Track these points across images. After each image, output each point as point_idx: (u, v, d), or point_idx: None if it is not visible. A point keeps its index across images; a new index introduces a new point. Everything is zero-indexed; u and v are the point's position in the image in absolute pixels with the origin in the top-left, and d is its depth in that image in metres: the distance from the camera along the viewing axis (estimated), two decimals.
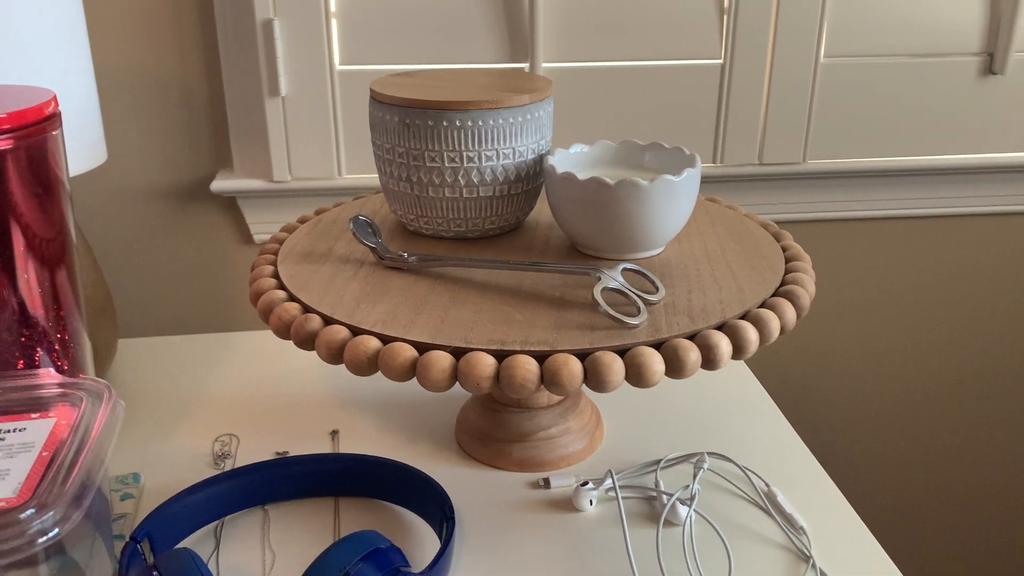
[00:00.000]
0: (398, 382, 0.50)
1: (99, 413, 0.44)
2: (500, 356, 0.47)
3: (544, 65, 0.98)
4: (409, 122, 0.59)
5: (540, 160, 0.62)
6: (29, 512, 0.37)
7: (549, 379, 0.46)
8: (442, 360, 0.46)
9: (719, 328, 0.50)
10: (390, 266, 0.58)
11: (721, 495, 0.61)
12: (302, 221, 0.68)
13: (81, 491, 0.40)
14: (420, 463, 0.65)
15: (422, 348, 0.48)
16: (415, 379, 0.51)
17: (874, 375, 1.22)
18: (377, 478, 0.60)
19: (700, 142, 1.03)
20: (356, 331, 0.50)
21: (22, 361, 0.52)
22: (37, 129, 0.48)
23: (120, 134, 0.98)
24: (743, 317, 0.51)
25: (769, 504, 0.60)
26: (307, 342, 0.50)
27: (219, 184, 0.99)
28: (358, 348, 0.48)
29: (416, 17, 0.96)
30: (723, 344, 0.48)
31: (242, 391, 0.76)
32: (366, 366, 0.48)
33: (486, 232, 0.63)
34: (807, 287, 0.55)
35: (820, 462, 1.24)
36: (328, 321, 0.51)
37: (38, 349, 0.52)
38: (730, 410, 0.72)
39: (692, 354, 0.47)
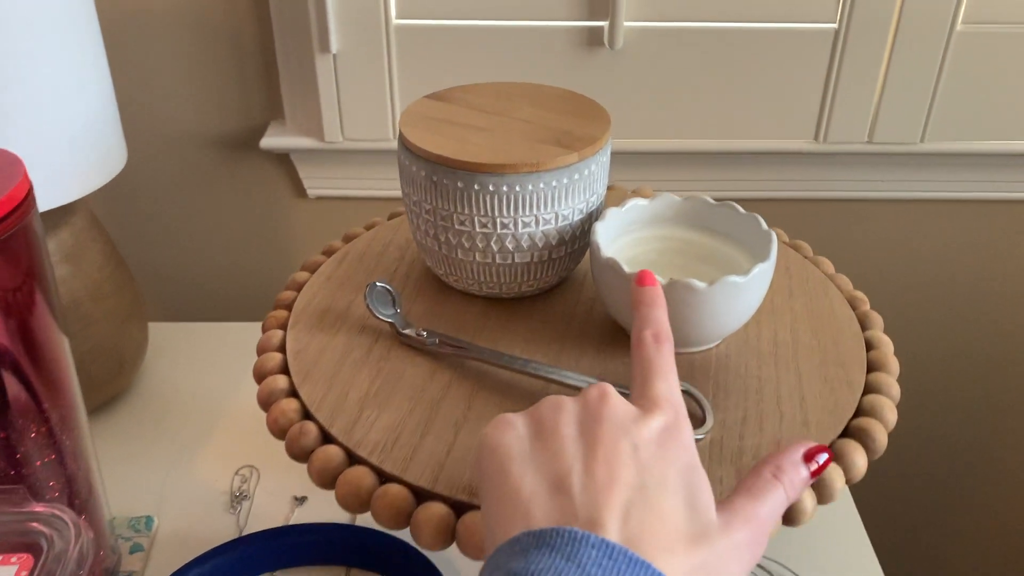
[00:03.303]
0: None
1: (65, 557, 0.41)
2: None
3: (626, 24, 0.86)
4: (436, 180, 0.51)
5: (589, 218, 0.54)
6: None
7: None
8: (439, 518, 0.41)
9: None
10: (407, 343, 0.52)
11: None
12: (328, 253, 0.61)
13: None
14: None
15: (421, 495, 0.42)
16: None
17: (995, 364, 1.12)
18: (388, 554, 0.57)
19: (801, 117, 0.90)
20: (353, 456, 0.44)
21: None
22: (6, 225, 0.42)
23: (166, 77, 0.92)
24: None
25: None
26: (301, 458, 0.46)
27: (269, 141, 0.93)
28: (350, 485, 0.43)
29: None
30: None
31: None
32: (357, 506, 0.43)
33: (523, 294, 0.56)
34: (886, 418, 0.46)
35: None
36: (325, 434, 0.46)
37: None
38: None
39: None
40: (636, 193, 0.69)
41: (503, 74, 0.89)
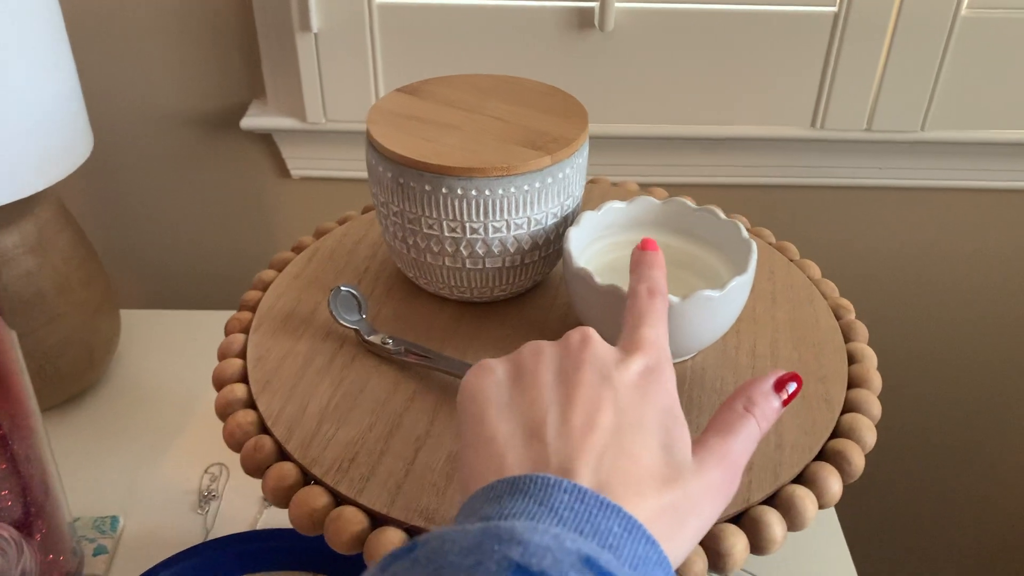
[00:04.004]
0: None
1: None
2: None
3: (618, 5, 0.82)
4: (403, 182, 0.48)
5: (564, 222, 0.52)
6: None
7: None
8: (392, 546, 0.39)
9: (735, 519, 0.41)
10: (372, 350, 0.50)
11: None
12: (297, 250, 0.59)
13: None
14: None
15: (376, 519, 0.41)
16: None
17: (982, 349, 1.10)
18: (355, 561, 0.55)
19: (798, 103, 0.88)
20: (308, 475, 0.43)
21: None
22: None
23: (143, 55, 0.89)
24: (772, 496, 0.42)
25: None
26: (256, 474, 0.44)
27: (250, 121, 0.90)
28: (303, 506, 0.41)
29: None
30: (737, 547, 0.39)
31: None
32: (310, 527, 0.41)
33: (495, 298, 0.54)
34: (864, 440, 0.45)
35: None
36: (281, 450, 0.44)
37: None
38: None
39: (697, 563, 0.39)
40: (618, 187, 0.66)
41: (490, 56, 0.86)
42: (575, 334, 0.34)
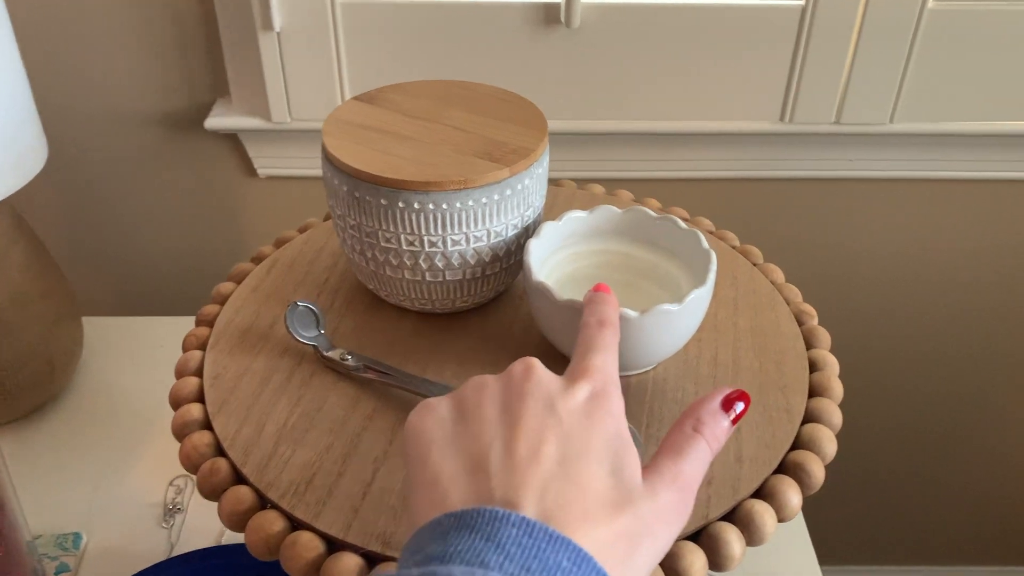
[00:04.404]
0: None
1: None
2: None
3: (584, 1, 0.82)
4: (359, 196, 0.48)
5: (525, 232, 0.51)
6: None
7: None
8: (348, 572, 0.39)
9: (694, 536, 0.41)
10: (330, 367, 0.50)
11: None
12: (257, 260, 0.58)
13: None
14: None
15: (333, 543, 0.40)
16: None
17: (945, 337, 1.11)
18: None
19: (767, 97, 0.87)
20: (264, 499, 0.42)
21: None
22: None
23: (103, 53, 0.87)
24: (731, 512, 0.42)
25: None
26: (212, 497, 0.43)
27: (214, 121, 0.89)
28: (259, 532, 0.41)
29: None
30: (695, 566, 0.39)
31: None
32: (265, 553, 0.41)
33: (457, 309, 0.53)
34: (824, 450, 0.45)
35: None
36: (237, 473, 0.44)
37: None
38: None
39: None
40: (584, 190, 0.66)
41: (455, 53, 0.85)
42: (518, 365, 0.34)
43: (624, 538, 0.30)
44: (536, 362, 0.34)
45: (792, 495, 0.43)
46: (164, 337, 0.79)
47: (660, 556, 0.32)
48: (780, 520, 0.42)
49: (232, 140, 0.93)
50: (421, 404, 0.34)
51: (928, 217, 0.98)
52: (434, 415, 0.33)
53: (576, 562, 0.28)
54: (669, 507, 0.32)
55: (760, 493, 0.43)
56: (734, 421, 0.35)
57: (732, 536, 0.40)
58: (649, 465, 0.33)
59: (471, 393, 0.33)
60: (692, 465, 0.33)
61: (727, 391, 0.35)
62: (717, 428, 0.34)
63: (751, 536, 0.41)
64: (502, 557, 0.27)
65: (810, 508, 0.67)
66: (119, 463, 0.65)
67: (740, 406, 0.35)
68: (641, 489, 0.31)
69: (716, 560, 0.40)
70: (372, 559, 0.40)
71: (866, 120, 0.88)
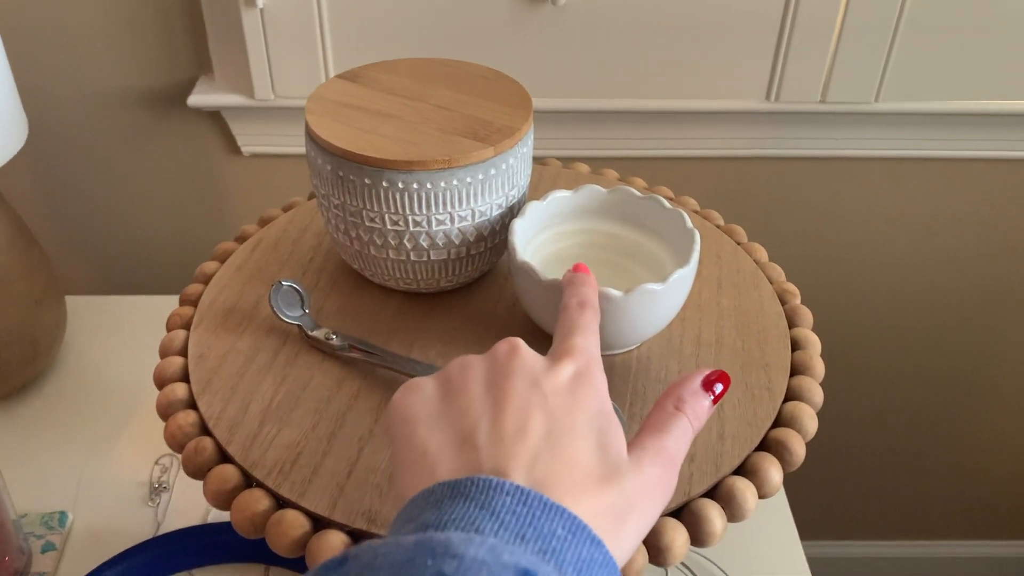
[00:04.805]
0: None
1: None
2: None
3: None
4: (343, 175, 0.48)
5: (510, 212, 0.51)
6: None
7: None
8: (334, 550, 0.39)
9: (675, 513, 0.41)
10: (315, 346, 0.50)
11: None
12: (241, 239, 0.58)
13: None
14: None
15: (319, 521, 0.41)
16: None
17: (922, 311, 1.12)
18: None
19: (753, 76, 0.87)
20: (249, 477, 0.42)
21: None
22: None
23: (80, 30, 0.86)
24: (713, 489, 0.42)
25: None
26: (197, 476, 0.44)
27: (197, 98, 0.88)
28: (244, 510, 0.41)
29: None
30: (677, 542, 0.40)
31: None
32: (251, 531, 0.41)
33: (442, 288, 0.53)
34: (805, 428, 0.45)
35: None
36: (222, 452, 0.44)
37: None
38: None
39: (637, 558, 0.39)
40: (569, 169, 0.66)
41: (441, 30, 0.84)
42: (503, 345, 0.34)
43: (612, 511, 0.30)
44: (520, 342, 0.34)
45: (773, 472, 0.43)
46: (149, 315, 0.79)
47: (645, 531, 0.32)
48: (761, 497, 0.43)
49: (215, 117, 0.92)
50: (406, 384, 0.34)
51: (913, 196, 0.99)
52: (420, 394, 0.33)
53: (571, 530, 0.28)
54: (654, 481, 0.32)
55: (742, 470, 0.43)
56: (714, 401, 0.35)
57: (714, 513, 0.41)
58: (633, 442, 0.33)
59: (456, 372, 0.34)
60: (675, 442, 0.34)
61: (707, 372, 0.36)
62: (698, 407, 0.35)
63: (733, 512, 0.42)
64: (497, 525, 0.27)
65: (791, 485, 0.68)
66: (104, 442, 0.65)
67: (720, 387, 0.36)
68: (627, 464, 0.32)
69: (698, 536, 0.41)
70: (357, 536, 0.40)
71: (852, 99, 0.88)
